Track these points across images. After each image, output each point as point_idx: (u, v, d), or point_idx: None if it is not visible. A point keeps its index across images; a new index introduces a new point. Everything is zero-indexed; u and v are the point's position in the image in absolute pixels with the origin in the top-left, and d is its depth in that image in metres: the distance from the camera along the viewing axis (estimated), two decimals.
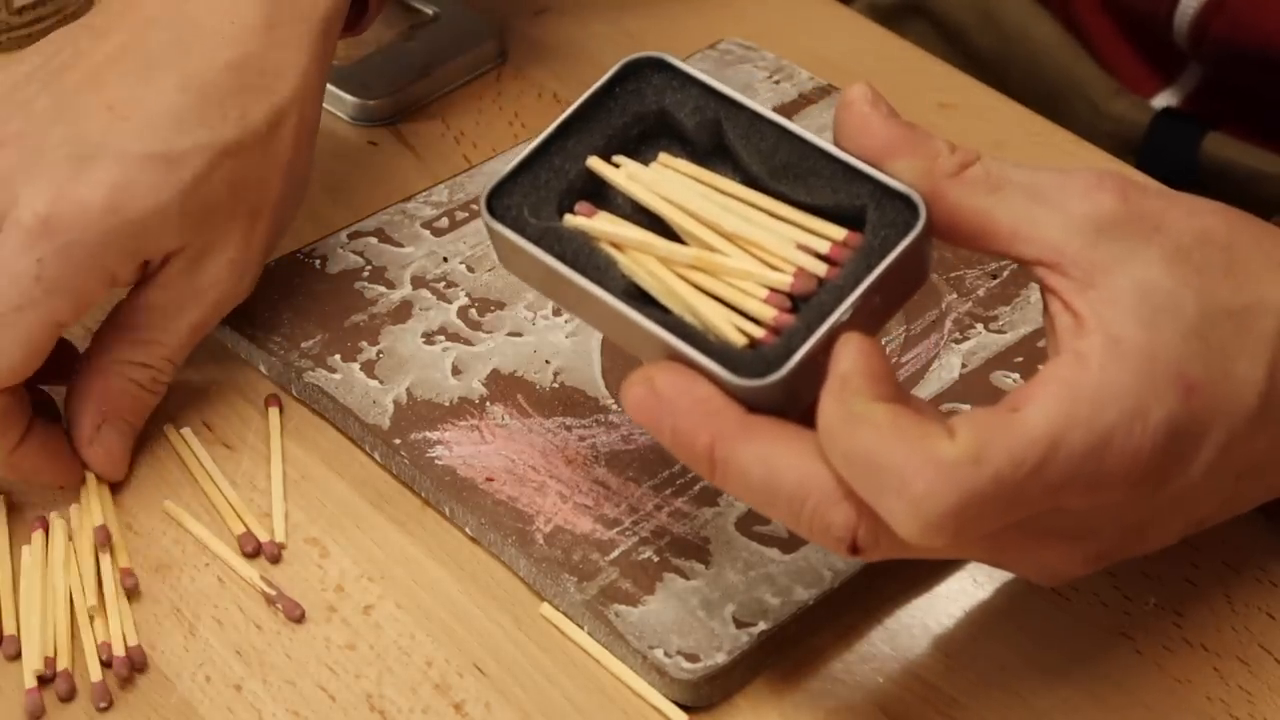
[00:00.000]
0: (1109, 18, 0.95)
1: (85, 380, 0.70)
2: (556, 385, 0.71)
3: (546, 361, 0.72)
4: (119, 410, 0.69)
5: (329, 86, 0.86)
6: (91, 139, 0.66)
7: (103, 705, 0.62)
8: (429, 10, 0.90)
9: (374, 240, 0.78)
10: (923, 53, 0.90)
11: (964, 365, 0.71)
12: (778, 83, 0.84)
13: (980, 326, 0.73)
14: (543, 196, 0.61)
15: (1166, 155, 0.91)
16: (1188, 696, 0.62)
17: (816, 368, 0.55)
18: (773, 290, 0.58)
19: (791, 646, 0.63)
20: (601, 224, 0.60)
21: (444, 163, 0.83)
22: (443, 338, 0.73)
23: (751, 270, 0.58)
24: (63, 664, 0.63)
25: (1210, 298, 0.55)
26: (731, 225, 0.59)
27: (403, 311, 0.74)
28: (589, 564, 0.65)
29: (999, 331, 0.73)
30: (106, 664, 0.63)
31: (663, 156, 0.61)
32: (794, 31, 0.89)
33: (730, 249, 0.59)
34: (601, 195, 0.61)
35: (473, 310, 0.74)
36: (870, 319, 0.57)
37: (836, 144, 0.59)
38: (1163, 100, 0.93)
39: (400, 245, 0.77)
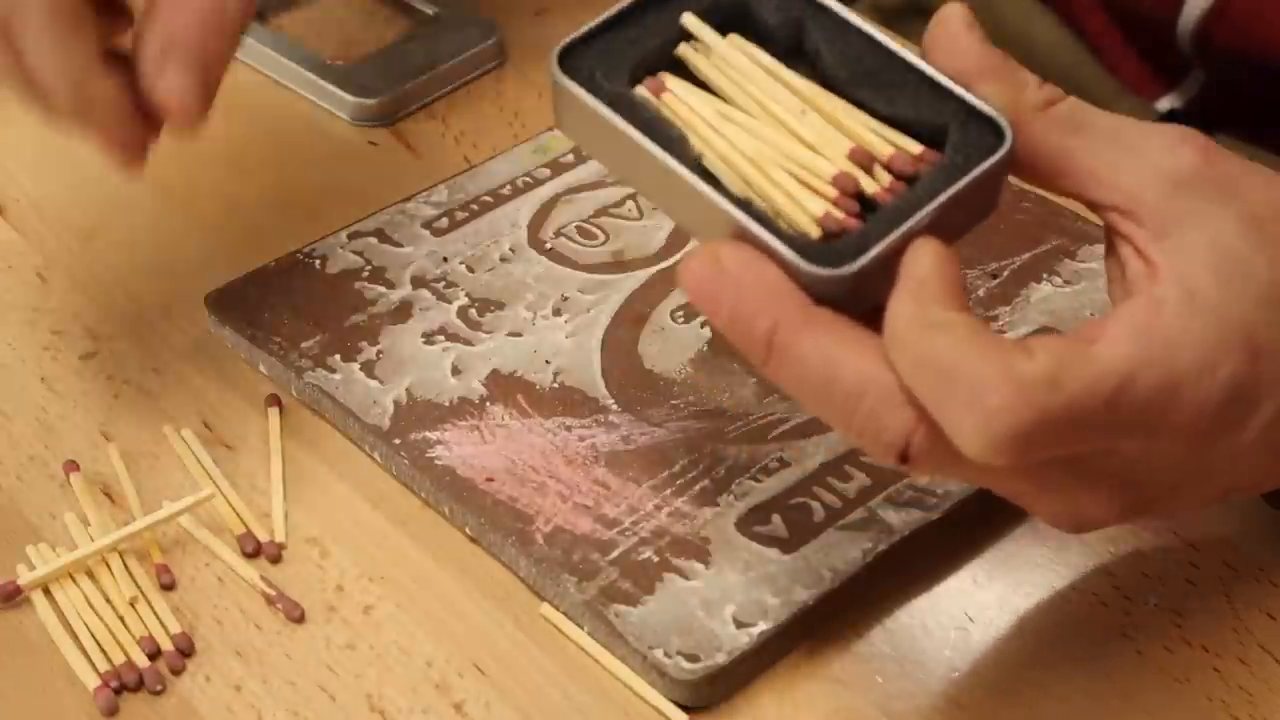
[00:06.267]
0: (1113, 23, 0.95)
1: (150, 14, 0.65)
2: (556, 385, 0.71)
3: (546, 361, 0.72)
4: (185, 40, 0.65)
5: (329, 86, 0.86)
6: None
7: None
8: (429, 10, 0.91)
9: (374, 240, 0.78)
10: None
11: None
12: None
13: None
14: (615, 64, 0.59)
15: None
16: (1188, 696, 0.62)
17: (886, 271, 0.54)
18: (843, 194, 0.56)
19: (791, 646, 0.63)
20: (679, 90, 0.58)
21: (444, 163, 0.83)
22: (443, 338, 0.73)
23: (826, 169, 0.56)
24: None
25: None
26: (809, 125, 0.57)
27: (403, 311, 0.74)
28: (589, 564, 0.65)
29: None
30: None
31: (733, 37, 0.59)
32: None
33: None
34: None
35: (472, 310, 0.74)
36: (942, 235, 0.55)
37: (926, 60, 0.58)
38: (1166, 104, 0.93)
39: (400, 245, 0.77)
